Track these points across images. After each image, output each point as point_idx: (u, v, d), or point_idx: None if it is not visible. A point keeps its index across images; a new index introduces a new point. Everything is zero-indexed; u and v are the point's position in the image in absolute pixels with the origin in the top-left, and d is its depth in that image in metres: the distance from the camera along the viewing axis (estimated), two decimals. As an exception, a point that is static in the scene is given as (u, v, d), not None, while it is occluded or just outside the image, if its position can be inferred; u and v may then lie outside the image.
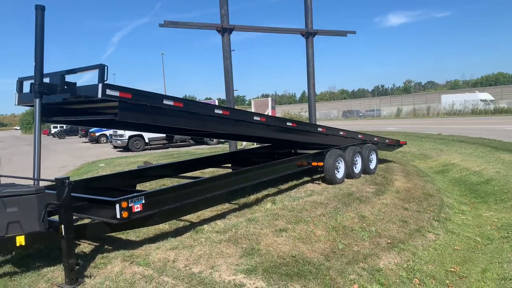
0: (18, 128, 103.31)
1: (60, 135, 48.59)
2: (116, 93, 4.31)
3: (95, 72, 4.22)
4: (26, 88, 5.06)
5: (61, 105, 5.21)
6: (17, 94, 5.27)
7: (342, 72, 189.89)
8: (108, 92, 4.22)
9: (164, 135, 21.57)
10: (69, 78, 4.52)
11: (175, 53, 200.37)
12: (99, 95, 4.15)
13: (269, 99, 20.02)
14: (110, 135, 25.39)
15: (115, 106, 4.47)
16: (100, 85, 4.15)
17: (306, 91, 15.48)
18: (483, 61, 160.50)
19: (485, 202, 7.89)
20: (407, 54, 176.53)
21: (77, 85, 4.51)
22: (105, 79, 4.18)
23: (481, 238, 5.83)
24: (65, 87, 4.41)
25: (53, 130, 53.41)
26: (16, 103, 5.31)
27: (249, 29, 13.39)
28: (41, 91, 4.38)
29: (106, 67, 4.18)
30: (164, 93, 5.19)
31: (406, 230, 5.68)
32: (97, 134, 30.41)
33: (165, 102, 4.94)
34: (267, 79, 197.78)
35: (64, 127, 52.36)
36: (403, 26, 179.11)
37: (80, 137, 42.52)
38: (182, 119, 5.26)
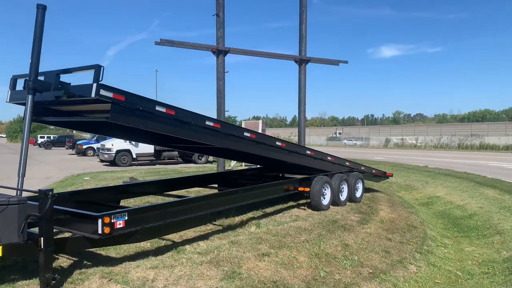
0: (4, 136, 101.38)
1: (47, 145, 47.85)
2: (110, 94, 4.32)
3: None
4: (19, 86, 5.03)
5: (53, 104, 5.17)
6: (9, 91, 5.24)
7: (334, 99, 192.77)
8: (102, 92, 4.22)
9: (152, 151, 21.46)
10: (64, 79, 4.53)
11: (169, 70, 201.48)
12: (93, 95, 4.16)
13: (260, 121, 20.23)
14: (98, 148, 25.15)
15: (107, 109, 4.48)
16: (94, 85, 4.16)
17: (297, 115, 15.67)
18: (471, 98, 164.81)
19: (467, 236, 7.96)
20: (397, 86, 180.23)
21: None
22: (100, 79, 4.19)
23: (462, 273, 5.86)
24: (59, 86, 4.43)
25: (39, 140, 52.39)
26: (8, 100, 5.27)
27: (244, 52, 13.62)
28: (34, 88, 4.36)
29: (102, 68, 4.20)
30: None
31: (388, 261, 5.68)
32: (84, 146, 30.05)
33: (157, 108, 4.94)
34: (259, 101, 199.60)
35: (51, 138, 51.61)
36: (395, 58, 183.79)
37: (67, 148, 41.93)
38: (173, 127, 5.24)
